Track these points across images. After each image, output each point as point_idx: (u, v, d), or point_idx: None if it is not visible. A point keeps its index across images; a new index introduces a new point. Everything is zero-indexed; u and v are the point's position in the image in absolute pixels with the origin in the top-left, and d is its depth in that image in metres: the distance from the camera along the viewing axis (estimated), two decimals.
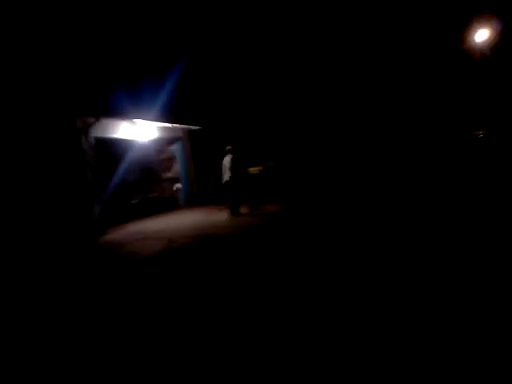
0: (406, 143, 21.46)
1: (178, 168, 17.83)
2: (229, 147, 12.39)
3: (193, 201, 17.32)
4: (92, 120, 12.24)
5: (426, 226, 7.55)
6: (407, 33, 23.41)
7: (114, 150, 15.35)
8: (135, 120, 13.91)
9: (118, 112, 13.00)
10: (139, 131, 14.80)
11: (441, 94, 24.30)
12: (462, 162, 18.18)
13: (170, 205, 17.19)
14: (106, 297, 5.58)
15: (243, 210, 12.93)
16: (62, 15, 11.82)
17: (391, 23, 23.56)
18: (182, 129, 17.15)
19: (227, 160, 12.25)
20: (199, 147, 17.81)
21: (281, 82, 20.00)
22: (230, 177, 12.11)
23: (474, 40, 20.23)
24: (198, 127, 17.09)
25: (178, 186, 17.67)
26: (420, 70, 24.16)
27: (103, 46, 13.26)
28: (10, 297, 6.22)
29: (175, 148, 17.68)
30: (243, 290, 5.11)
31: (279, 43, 20.13)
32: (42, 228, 10.67)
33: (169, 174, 18.52)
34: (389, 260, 5.64)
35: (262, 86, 19.41)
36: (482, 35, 19.66)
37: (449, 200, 10.19)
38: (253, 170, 16.75)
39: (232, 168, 12.10)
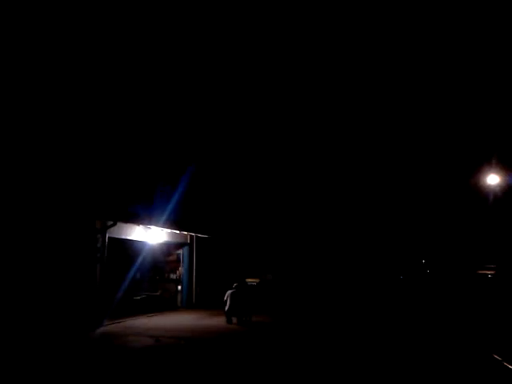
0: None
1: (182, 271, 19.18)
2: (236, 284, 14.52)
3: (191, 303, 18.42)
4: (110, 223, 14.04)
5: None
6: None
7: (126, 249, 16.94)
8: (148, 226, 15.73)
9: (132, 218, 14.87)
10: (150, 234, 16.53)
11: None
12: (471, 299, 18.24)
13: (169, 305, 18.24)
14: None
15: (234, 319, 13.93)
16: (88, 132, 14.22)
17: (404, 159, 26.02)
18: (190, 236, 18.88)
19: (229, 293, 14.19)
20: (203, 254, 19.33)
21: (283, 206, 22.07)
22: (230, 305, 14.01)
23: (486, 181, 20.27)
24: (203, 235, 18.80)
25: (179, 287, 18.87)
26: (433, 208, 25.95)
27: (125, 162, 15.55)
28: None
29: (182, 252, 19.24)
30: None
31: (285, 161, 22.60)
32: (48, 316, 11.89)
33: (173, 276, 19.81)
34: None
35: (264, 206, 21.44)
36: (493, 179, 19.86)
37: None
38: (251, 280, 17.93)
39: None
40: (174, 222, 16.91)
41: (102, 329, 12.45)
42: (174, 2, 18.14)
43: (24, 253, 12.47)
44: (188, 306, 18.32)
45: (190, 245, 19.27)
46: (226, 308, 13.90)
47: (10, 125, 13.15)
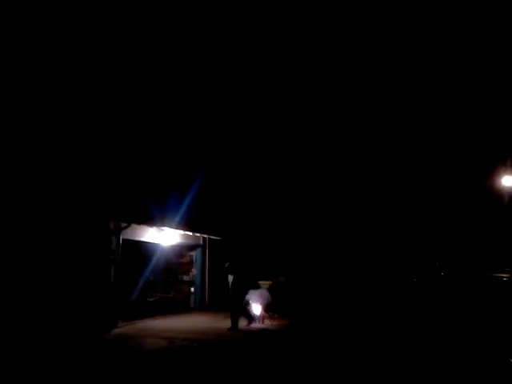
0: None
1: (194, 272, 19.24)
2: (227, 264, 14.47)
3: (203, 305, 18.46)
4: (124, 224, 14.14)
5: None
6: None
7: (139, 251, 17.04)
8: (162, 227, 15.82)
9: (146, 220, 14.96)
10: (164, 236, 16.63)
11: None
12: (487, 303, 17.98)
13: (182, 306, 18.29)
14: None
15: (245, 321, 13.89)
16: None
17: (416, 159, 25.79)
18: (202, 237, 18.95)
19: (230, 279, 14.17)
20: (216, 256, 19.35)
21: (295, 205, 22.03)
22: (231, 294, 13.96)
23: (500, 183, 19.83)
24: (216, 237, 18.85)
25: (192, 289, 18.92)
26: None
27: (139, 163, 15.67)
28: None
29: (194, 254, 19.30)
30: None
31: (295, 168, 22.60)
32: (63, 316, 12.00)
33: (186, 278, 19.87)
34: None
35: (277, 206, 21.43)
36: (508, 180, 19.30)
37: None
38: (263, 283, 17.85)
39: (232, 286, 14.01)
40: (187, 224, 16.96)
41: (116, 330, 12.54)
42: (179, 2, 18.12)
43: (39, 255, 12.61)
44: (201, 307, 18.37)
45: (203, 247, 19.33)
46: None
47: (24, 127, 13.30)
